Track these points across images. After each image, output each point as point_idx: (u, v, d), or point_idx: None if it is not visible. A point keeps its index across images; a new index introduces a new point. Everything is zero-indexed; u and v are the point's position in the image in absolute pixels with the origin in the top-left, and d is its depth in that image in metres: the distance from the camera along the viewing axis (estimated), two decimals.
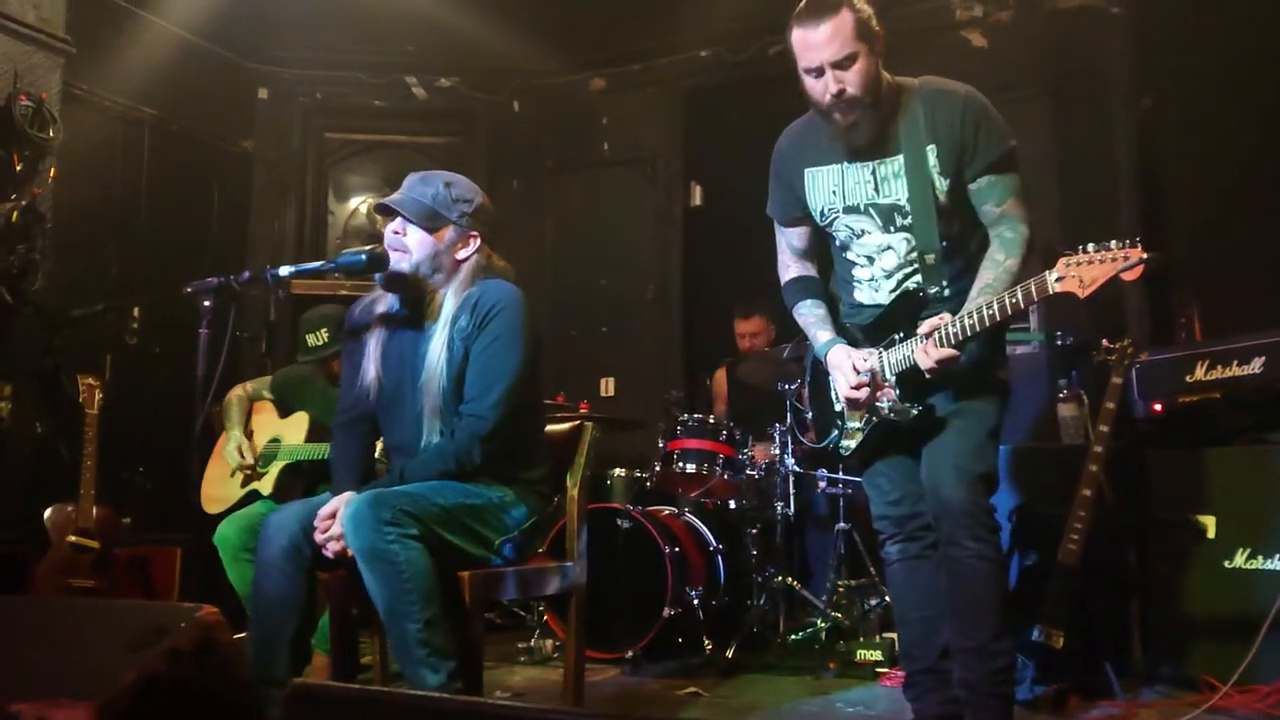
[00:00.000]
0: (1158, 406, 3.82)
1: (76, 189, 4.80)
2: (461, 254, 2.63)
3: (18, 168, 4.32)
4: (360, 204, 6.31)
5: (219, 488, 3.91)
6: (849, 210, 2.61)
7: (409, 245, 2.58)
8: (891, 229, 2.57)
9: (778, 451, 4.44)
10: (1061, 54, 5.07)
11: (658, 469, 4.55)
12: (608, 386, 6.10)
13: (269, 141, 6.14)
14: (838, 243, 2.71)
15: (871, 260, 2.64)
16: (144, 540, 4.66)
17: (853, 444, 2.69)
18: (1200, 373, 3.70)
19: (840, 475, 4.50)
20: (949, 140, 2.47)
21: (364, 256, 2.55)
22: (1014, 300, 2.30)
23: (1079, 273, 2.20)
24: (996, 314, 2.33)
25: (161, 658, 1.44)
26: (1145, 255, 2.17)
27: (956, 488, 2.49)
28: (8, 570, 4.13)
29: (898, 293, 2.62)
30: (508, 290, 2.62)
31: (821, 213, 2.66)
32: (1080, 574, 3.30)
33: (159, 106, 5.45)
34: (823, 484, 4.54)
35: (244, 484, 3.84)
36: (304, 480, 3.76)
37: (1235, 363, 3.62)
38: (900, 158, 2.51)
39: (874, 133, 2.49)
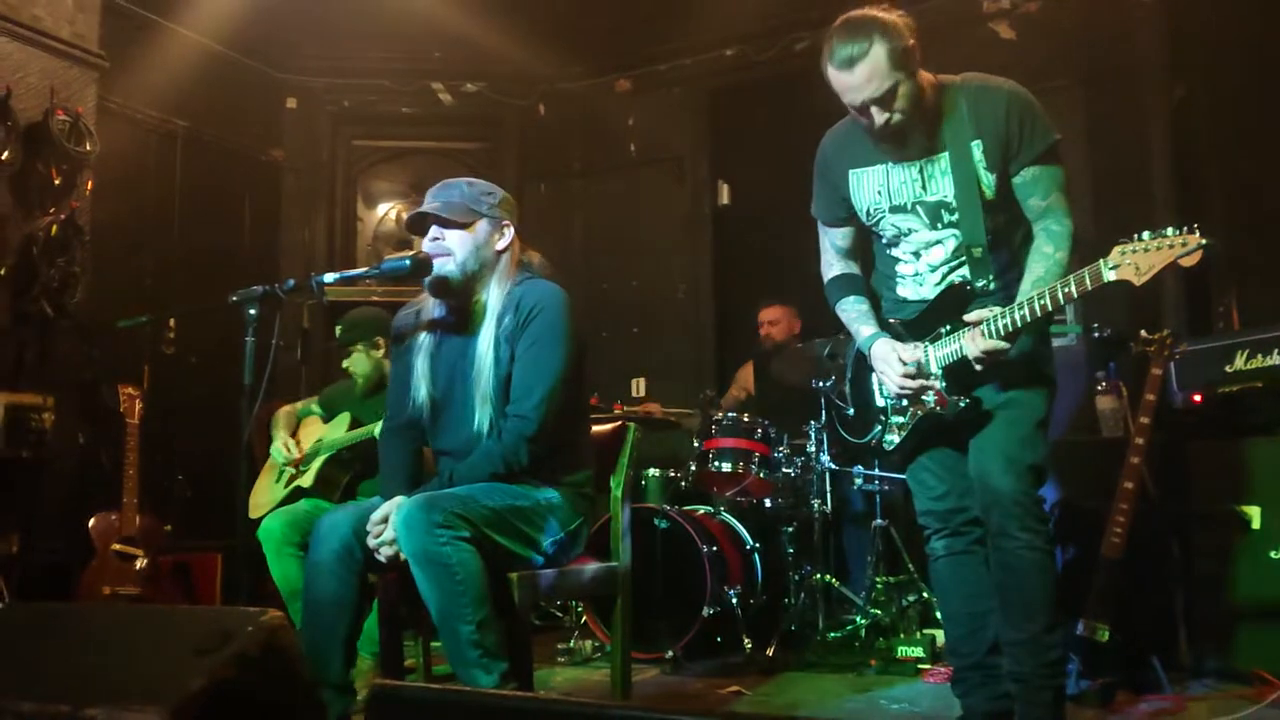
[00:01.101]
0: (1198, 397, 3.79)
1: (111, 201, 4.85)
2: (500, 245, 2.68)
3: (56, 182, 4.38)
4: (389, 210, 6.36)
5: (263, 494, 3.99)
6: (895, 210, 2.60)
7: (450, 246, 2.61)
8: (939, 225, 2.57)
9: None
10: (1091, 44, 5.03)
11: (693, 468, 4.55)
12: (639, 387, 6.11)
13: (298, 150, 6.20)
14: (884, 240, 2.71)
15: (918, 256, 2.64)
16: (185, 547, 4.70)
17: (896, 439, 2.69)
18: (1240, 362, 3.68)
19: (876, 472, 4.49)
20: (994, 134, 2.46)
21: (408, 262, 2.57)
22: (1066, 290, 2.28)
23: (1135, 260, 2.17)
24: (1049, 304, 2.31)
25: (229, 662, 1.46)
26: (1205, 240, 2.14)
27: (1006, 478, 2.48)
28: (54, 579, 4.19)
29: (943, 286, 2.61)
30: (551, 290, 2.66)
31: (867, 212, 2.66)
32: (1124, 567, 3.28)
33: (190, 118, 5.51)
34: (859, 481, 4.53)
35: (287, 484, 3.89)
36: (347, 473, 3.82)
37: (1276, 351, 3.59)
38: (946, 155, 2.50)
39: (920, 136, 2.49)
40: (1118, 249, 2.20)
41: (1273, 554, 3.41)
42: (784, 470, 4.46)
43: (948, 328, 2.54)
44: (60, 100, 4.40)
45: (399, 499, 2.43)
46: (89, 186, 4.55)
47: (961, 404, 2.53)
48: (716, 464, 4.45)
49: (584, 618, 4.32)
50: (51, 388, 4.29)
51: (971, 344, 2.43)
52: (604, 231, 6.37)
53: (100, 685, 1.45)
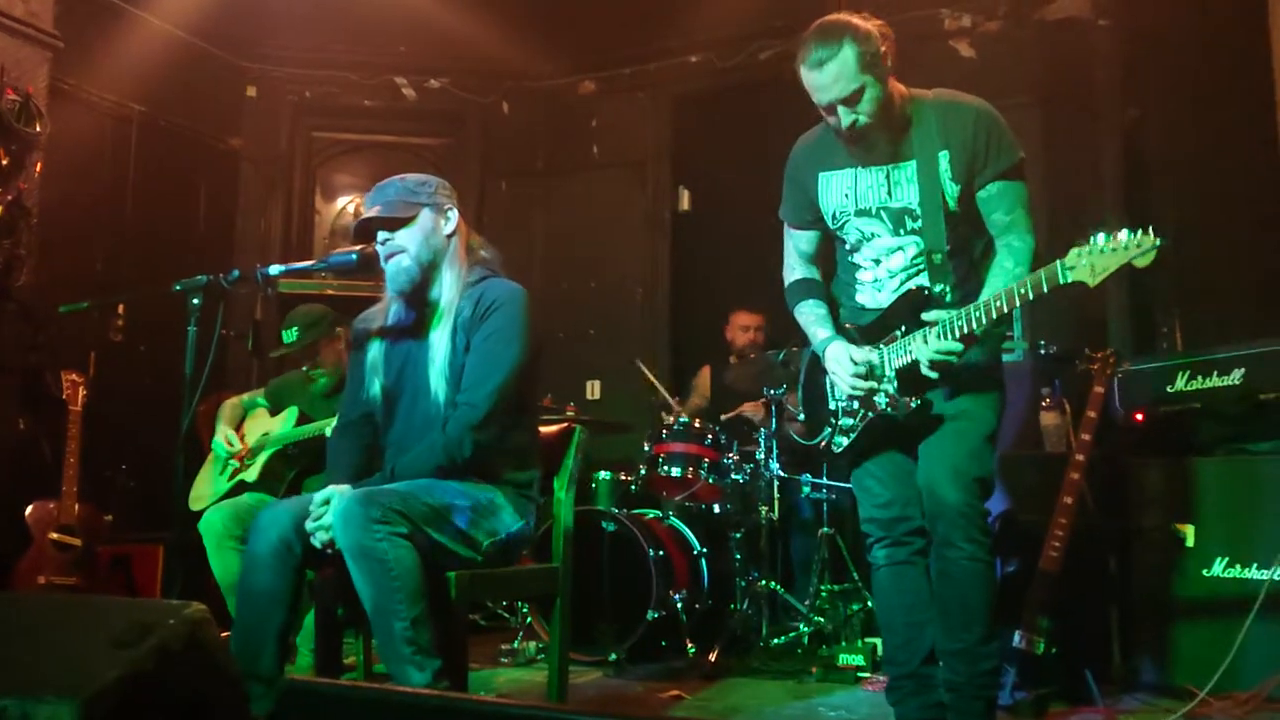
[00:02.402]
0: (1139, 416, 3.86)
1: (63, 184, 4.78)
2: (447, 229, 2.69)
3: (3, 162, 4.31)
4: (348, 204, 6.30)
5: (205, 486, 3.94)
6: (860, 213, 2.64)
7: (402, 243, 2.62)
8: (902, 231, 2.60)
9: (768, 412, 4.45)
10: (1049, 64, 5.11)
11: (643, 472, 4.56)
12: (593, 389, 6.10)
13: (257, 140, 6.12)
14: (847, 245, 2.74)
15: (878, 262, 2.67)
16: (126, 538, 4.63)
17: (846, 440, 2.69)
18: (1181, 383, 3.74)
19: (825, 480, 4.52)
20: (961, 147, 2.52)
21: (355, 256, 2.56)
22: (1023, 292, 2.31)
23: (1091, 261, 2.22)
24: (1005, 306, 2.34)
25: (148, 655, 1.44)
26: (1158, 240, 2.19)
27: (953, 489, 2.51)
28: None
29: (901, 292, 2.63)
30: (511, 287, 2.68)
31: (833, 215, 2.70)
32: (1061, 580, 3.33)
33: (147, 103, 5.43)
34: (807, 489, 4.56)
35: (230, 477, 3.85)
36: (292, 468, 3.78)
37: (1215, 373, 3.65)
38: (913, 163, 2.55)
39: (887, 143, 2.55)
40: (1074, 251, 2.24)
41: (1206, 572, 3.47)
42: (733, 476, 4.48)
43: (902, 329, 2.57)
44: (10, 80, 4.33)
45: (344, 485, 2.42)
46: (38, 168, 4.48)
47: (913, 404, 2.55)
48: (666, 469, 4.46)
49: (529, 619, 4.31)
50: None
51: (923, 346, 2.46)
52: (564, 232, 6.36)
53: (12, 676, 1.43)
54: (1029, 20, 5.20)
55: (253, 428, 3.97)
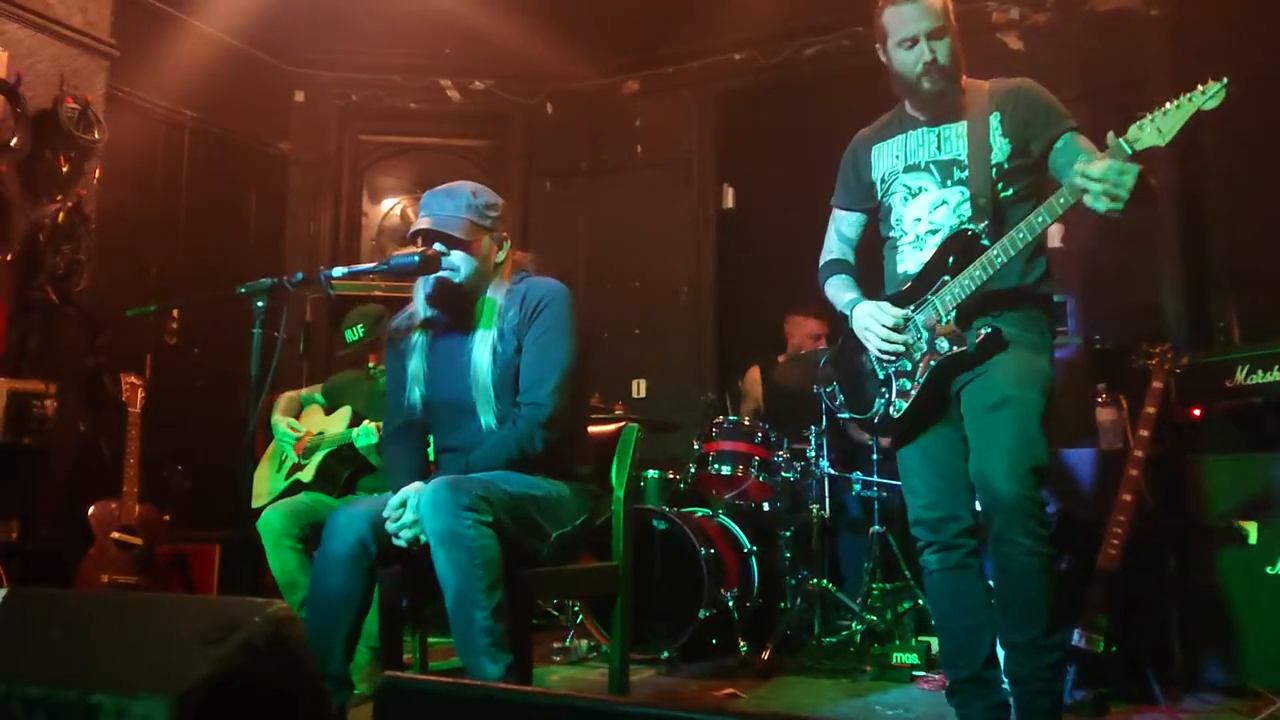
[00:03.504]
0: (1197, 411, 3.81)
1: (118, 191, 4.86)
2: (499, 257, 2.72)
3: (64, 169, 4.38)
4: (394, 206, 6.37)
5: (263, 484, 3.99)
6: (909, 169, 2.73)
7: (455, 263, 2.63)
8: (949, 183, 2.67)
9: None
10: (1099, 57, 5.04)
11: (693, 471, 4.57)
12: (639, 388, 6.11)
13: (305, 144, 6.20)
14: (893, 214, 2.76)
15: (919, 220, 2.71)
16: (184, 538, 4.71)
17: (906, 404, 2.64)
18: (1240, 377, 3.69)
19: (875, 478, 4.50)
20: (1014, 108, 2.63)
21: (417, 258, 2.58)
22: (1087, 174, 2.31)
23: (1157, 124, 2.29)
24: (1069, 197, 2.37)
25: (235, 652, 1.46)
26: (1225, 80, 2.24)
27: (1009, 481, 2.47)
28: (53, 566, 4.19)
29: (950, 233, 2.64)
30: (555, 285, 2.71)
31: (883, 179, 2.78)
32: (1120, 579, 3.30)
33: (198, 109, 5.52)
34: (857, 487, 4.55)
35: (287, 476, 3.90)
36: (348, 468, 3.82)
37: (1276, 367, 3.60)
38: (964, 122, 2.66)
39: (945, 101, 2.67)
40: (1134, 125, 2.30)
41: (1269, 569, 3.42)
42: (783, 475, 4.47)
43: (951, 262, 2.59)
44: (70, 88, 4.40)
45: (418, 484, 2.45)
46: (97, 175, 4.56)
47: (984, 332, 2.53)
48: (716, 467, 4.46)
49: (580, 617, 4.33)
50: (54, 375, 4.30)
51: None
52: (608, 232, 6.37)
53: (106, 673, 1.46)
54: (1078, 12, 5.14)
55: (308, 424, 4.01)
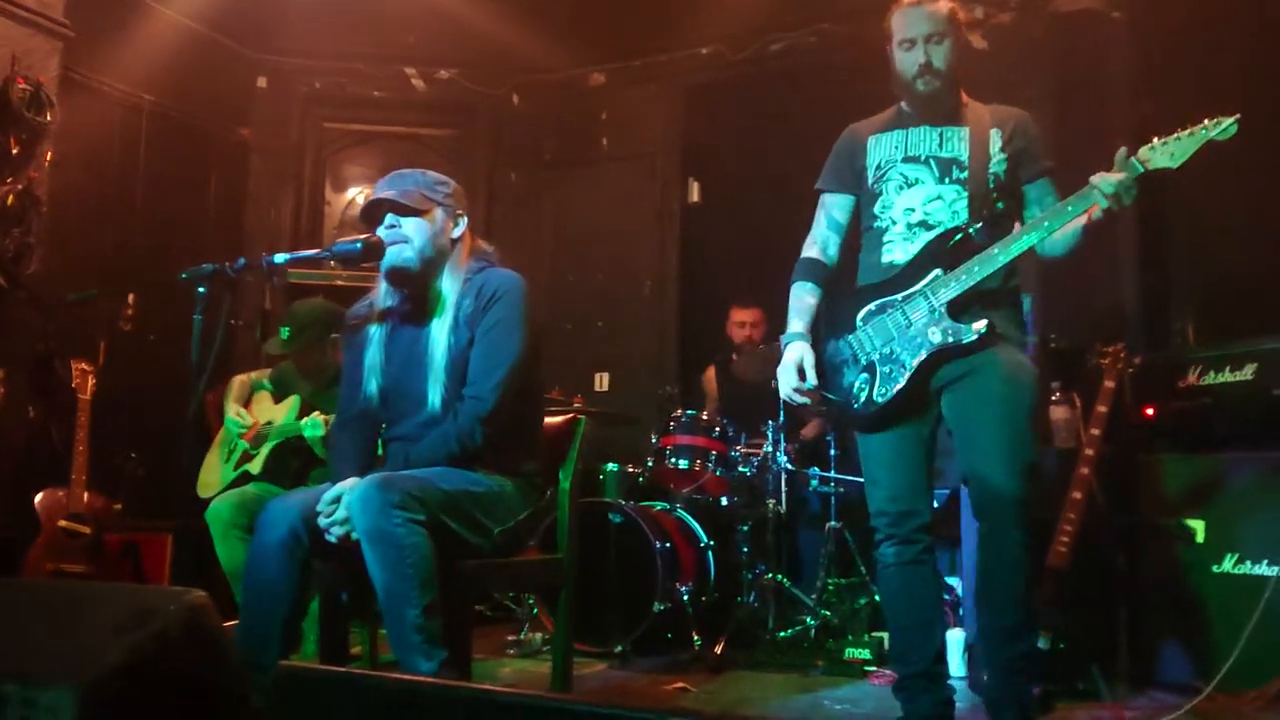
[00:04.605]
0: (1150, 411, 3.83)
1: (73, 174, 4.79)
2: (455, 233, 2.69)
3: (14, 151, 4.31)
4: (358, 194, 6.30)
5: (212, 473, 3.94)
6: (908, 160, 2.76)
7: (407, 233, 2.61)
8: (947, 180, 2.71)
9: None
10: (1062, 57, 5.06)
11: (650, 464, 4.56)
12: (602, 381, 6.10)
13: (267, 130, 6.13)
14: (881, 201, 2.77)
15: (911, 211, 2.72)
16: (135, 526, 4.64)
17: (892, 392, 2.63)
18: (1193, 378, 3.72)
19: (832, 474, 4.51)
20: (1011, 131, 2.72)
21: (359, 245, 2.55)
22: (1102, 189, 2.42)
23: (1171, 148, 2.40)
24: (1074, 206, 2.49)
25: (149, 641, 1.43)
26: (1238, 115, 2.35)
27: (1007, 478, 2.53)
28: None
29: (939, 233, 2.67)
30: (511, 277, 2.67)
31: (878, 166, 2.80)
32: (1069, 576, 3.32)
33: (157, 93, 5.43)
34: (815, 482, 4.55)
35: (236, 466, 3.85)
36: (296, 460, 3.77)
37: (1228, 369, 3.63)
38: (966, 129, 2.73)
39: (944, 105, 2.74)
40: (1145, 148, 2.41)
41: (1215, 568, 3.45)
42: (741, 469, 4.47)
43: (942, 270, 2.62)
44: (21, 69, 4.33)
45: (353, 479, 2.42)
46: (48, 157, 4.49)
47: (981, 329, 2.56)
48: (673, 461, 4.45)
49: (536, 610, 4.31)
50: (3, 360, 4.23)
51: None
52: (573, 224, 6.35)
53: (13, 661, 1.42)
54: (1042, 12, 5.15)
55: (258, 411, 3.96)
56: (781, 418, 4.41)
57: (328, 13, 5.87)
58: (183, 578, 4.65)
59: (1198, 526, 3.50)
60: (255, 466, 3.77)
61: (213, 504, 3.47)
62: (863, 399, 2.69)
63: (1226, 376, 3.64)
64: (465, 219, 2.72)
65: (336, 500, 2.39)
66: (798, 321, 2.81)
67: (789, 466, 4.45)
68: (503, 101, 6.38)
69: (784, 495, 4.46)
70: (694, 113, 6.18)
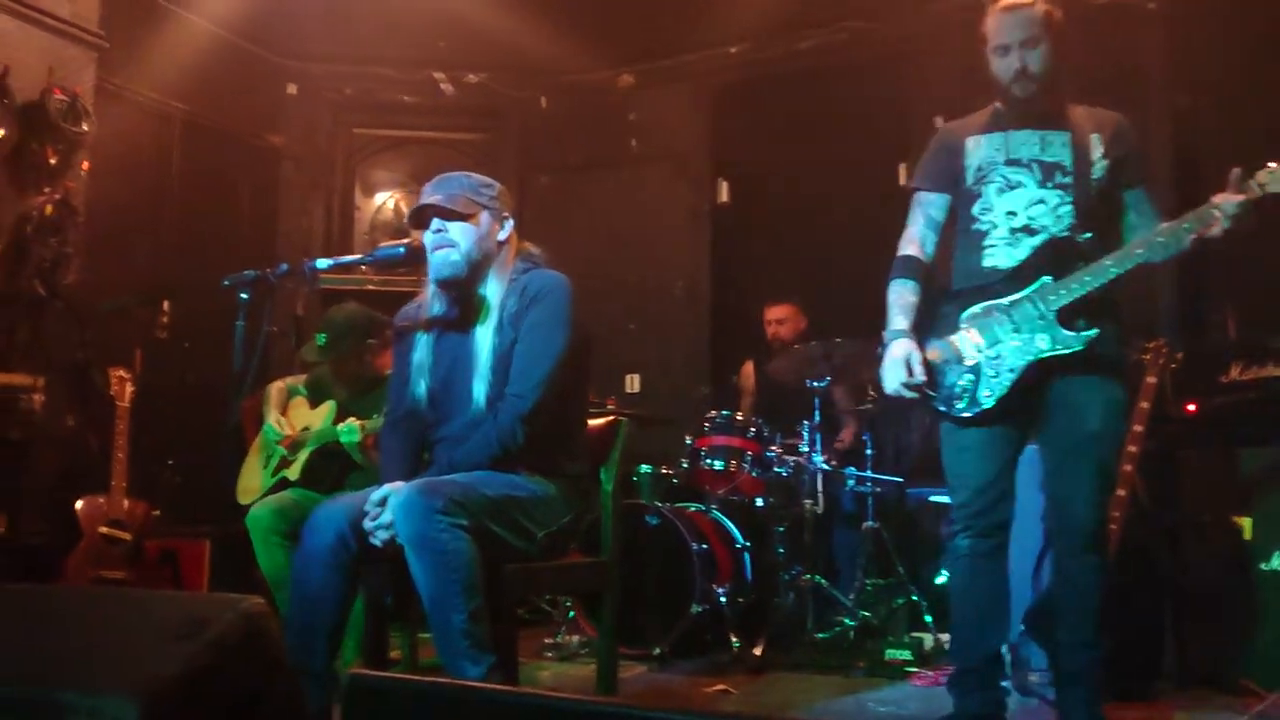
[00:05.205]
0: (1192, 407, 3.78)
1: (108, 183, 4.83)
2: (501, 236, 2.69)
3: (51, 161, 4.36)
4: (387, 199, 6.33)
5: (251, 479, 3.95)
6: (1011, 163, 2.74)
7: (454, 238, 2.60)
8: (1050, 185, 2.70)
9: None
10: (1096, 50, 5.00)
11: (685, 466, 4.54)
12: (633, 383, 6.09)
13: (297, 137, 6.17)
14: (982, 203, 2.76)
15: (1013, 215, 2.71)
16: (173, 533, 4.67)
17: (997, 395, 2.66)
18: (1235, 373, 3.68)
19: (869, 474, 4.48)
20: (1111, 137, 2.71)
21: (403, 249, 2.56)
22: (1214, 213, 2.45)
23: None
24: (1192, 224, 2.49)
25: (206, 649, 1.44)
26: None
27: (1088, 508, 2.65)
28: (39, 561, 4.17)
29: (1047, 240, 2.67)
30: (555, 277, 2.68)
31: (979, 168, 2.78)
32: (1113, 575, 3.26)
33: (189, 101, 5.48)
34: (851, 482, 4.52)
35: (274, 472, 3.86)
36: (334, 465, 3.78)
37: (1271, 362, 3.58)
38: (1068, 133, 2.71)
39: (1043, 109, 2.72)
40: (1263, 171, 2.42)
41: (1263, 565, 3.40)
42: (776, 470, 4.44)
43: (1052, 277, 2.62)
44: (58, 80, 4.37)
45: (398, 483, 2.42)
46: (85, 167, 4.53)
47: (1091, 334, 2.57)
48: (708, 462, 4.44)
49: (573, 612, 4.30)
50: (42, 369, 4.27)
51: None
52: (603, 226, 6.33)
53: (74, 670, 1.43)
54: (1077, 5, 5.09)
55: (294, 417, 3.97)
56: (817, 417, 4.38)
57: (356, 19, 5.90)
58: (221, 584, 4.68)
59: (1245, 523, 3.45)
60: (294, 473, 3.78)
61: (252, 510, 3.48)
62: (966, 400, 2.71)
63: (1270, 370, 3.59)
64: (511, 221, 2.71)
65: (383, 502, 2.39)
66: (901, 319, 2.80)
67: (825, 467, 4.42)
68: (531, 105, 6.39)
69: (820, 495, 4.42)
70: (723, 112, 6.16)
